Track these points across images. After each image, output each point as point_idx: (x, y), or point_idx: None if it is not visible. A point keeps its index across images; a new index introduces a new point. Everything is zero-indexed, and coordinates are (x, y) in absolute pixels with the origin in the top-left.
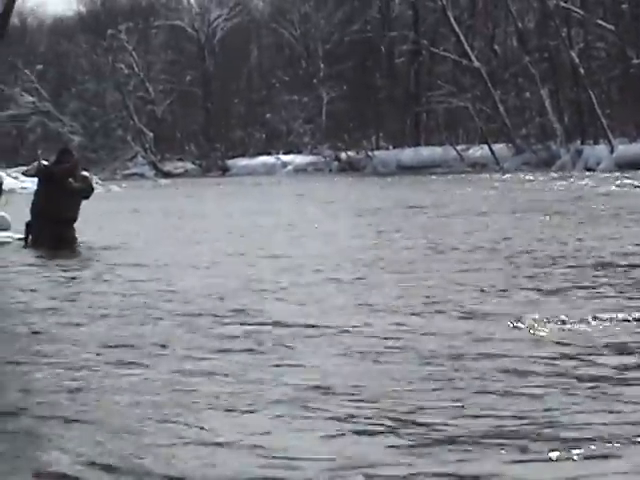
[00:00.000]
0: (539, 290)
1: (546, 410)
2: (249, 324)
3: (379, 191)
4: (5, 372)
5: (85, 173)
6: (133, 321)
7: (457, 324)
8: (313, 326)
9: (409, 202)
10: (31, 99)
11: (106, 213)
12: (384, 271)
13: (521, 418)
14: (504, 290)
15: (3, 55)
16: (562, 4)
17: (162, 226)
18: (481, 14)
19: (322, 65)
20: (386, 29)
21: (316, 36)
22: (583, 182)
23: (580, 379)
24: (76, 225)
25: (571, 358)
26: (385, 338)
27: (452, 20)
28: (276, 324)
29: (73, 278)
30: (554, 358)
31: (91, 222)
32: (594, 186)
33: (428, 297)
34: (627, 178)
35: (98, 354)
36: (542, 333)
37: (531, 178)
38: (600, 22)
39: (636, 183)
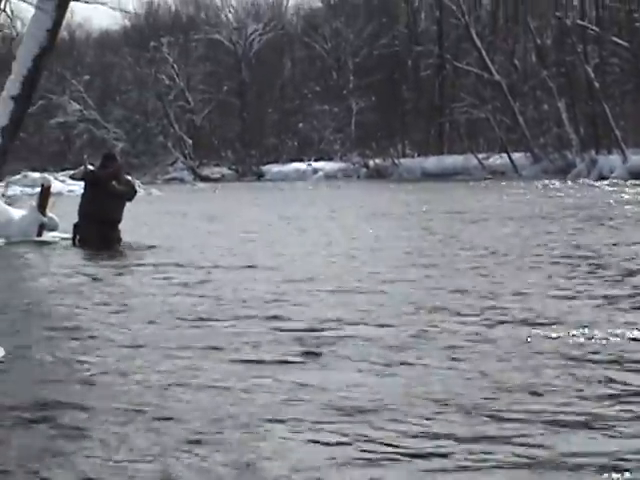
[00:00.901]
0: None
1: None
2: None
3: (419, 197)
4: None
5: (128, 177)
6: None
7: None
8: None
9: (454, 208)
10: (78, 107)
11: (148, 215)
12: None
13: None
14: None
15: (53, 66)
16: (578, 22)
17: (206, 228)
18: (502, 30)
19: (352, 77)
20: (412, 44)
21: (346, 50)
22: (608, 189)
23: None
24: (121, 226)
25: None
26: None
27: (474, 36)
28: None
29: (120, 274)
30: None
31: (135, 223)
32: (616, 192)
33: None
34: None
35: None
36: None
37: (557, 185)
38: (614, 39)
39: None
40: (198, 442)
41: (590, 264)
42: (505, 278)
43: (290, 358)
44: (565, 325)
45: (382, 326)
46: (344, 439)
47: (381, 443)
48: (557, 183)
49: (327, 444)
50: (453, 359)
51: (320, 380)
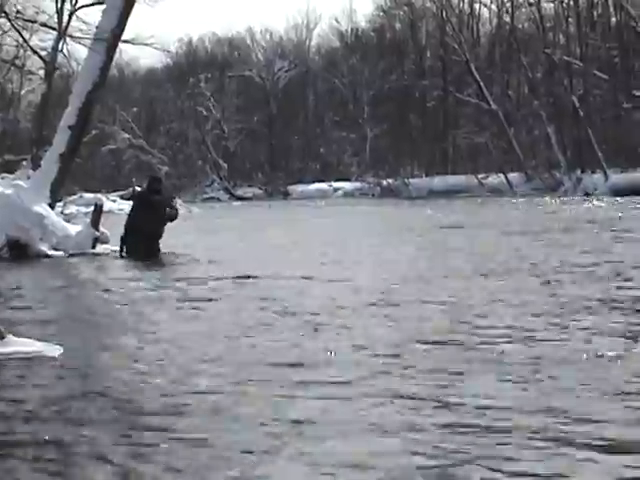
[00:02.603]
0: None
1: None
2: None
3: (438, 213)
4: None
5: (176, 201)
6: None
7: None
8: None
9: (474, 221)
10: (127, 136)
11: (189, 230)
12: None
13: None
14: None
15: (104, 100)
16: (565, 58)
17: (254, 242)
18: (497, 65)
19: (366, 107)
20: (419, 78)
21: (362, 83)
22: (598, 205)
23: None
24: (169, 240)
25: None
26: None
27: (474, 71)
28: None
29: (166, 283)
30: None
31: (180, 237)
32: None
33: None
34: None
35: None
36: None
37: (554, 201)
38: (596, 72)
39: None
40: None
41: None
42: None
43: None
44: None
45: None
46: None
47: None
48: (557, 200)
49: None
50: None
51: None
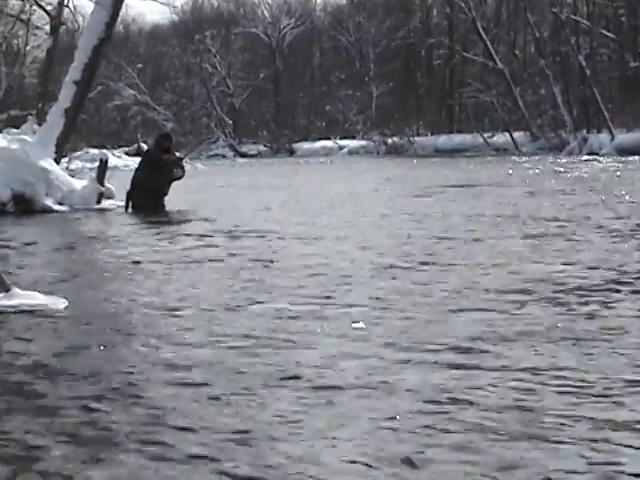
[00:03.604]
0: None
1: None
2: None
3: (452, 172)
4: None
5: (178, 154)
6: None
7: None
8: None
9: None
10: (132, 92)
11: (195, 187)
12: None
13: None
14: None
15: (110, 56)
16: (571, 16)
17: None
18: (504, 24)
19: (372, 66)
20: (426, 36)
21: (368, 41)
22: (615, 165)
23: None
24: (174, 197)
25: None
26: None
27: (480, 29)
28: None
29: (166, 238)
30: None
31: (186, 195)
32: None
33: None
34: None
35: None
36: None
37: (558, 161)
38: (603, 32)
39: None
40: None
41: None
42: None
43: None
44: None
45: None
46: None
47: None
48: (564, 160)
49: None
50: None
51: None
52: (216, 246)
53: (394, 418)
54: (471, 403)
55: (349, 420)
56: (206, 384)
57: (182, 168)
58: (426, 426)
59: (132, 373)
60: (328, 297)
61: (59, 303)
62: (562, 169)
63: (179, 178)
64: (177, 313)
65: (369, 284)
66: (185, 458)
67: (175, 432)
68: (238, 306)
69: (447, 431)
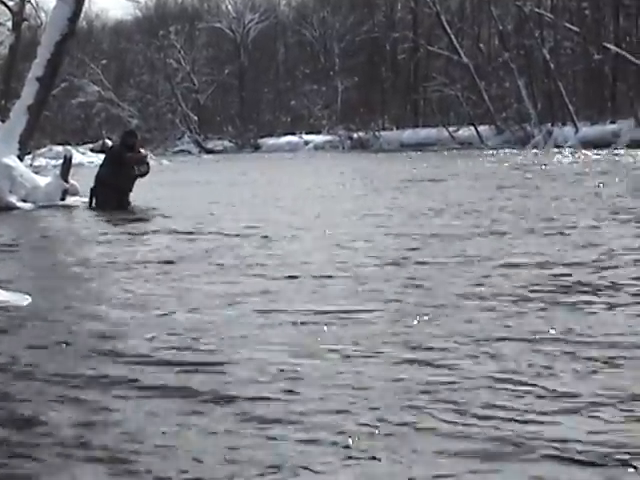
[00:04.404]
0: None
1: None
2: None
3: (419, 165)
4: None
5: (143, 151)
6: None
7: None
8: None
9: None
10: (96, 89)
11: (159, 183)
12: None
13: None
14: None
15: (73, 52)
16: (535, 10)
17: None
18: (468, 18)
19: (337, 60)
20: (390, 30)
21: (332, 36)
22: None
23: None
24: (139, 193)
25: None
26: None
27: (445, 23)
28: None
29: (135, 234)
30: None
31: (150, 191)
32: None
33: None
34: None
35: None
36: None
37: (528, 155)
38: (567, 25)
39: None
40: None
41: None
42: None
43: None
44: None
45: None
46: None
47: None
48: (529, 153)
49: None
50: None
51: None
52: (181, 245)
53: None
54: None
55: None
56: (175, 381)
57: (147, 165)
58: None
59: (94, 369)
60: (300, 298)
61: (22, 300)
62: (526, 162)
63: (144, 175)
64: (141, 313)
65: (336, 282)
66: (148, 454)
67: (136, 433)
68: (200, 307)
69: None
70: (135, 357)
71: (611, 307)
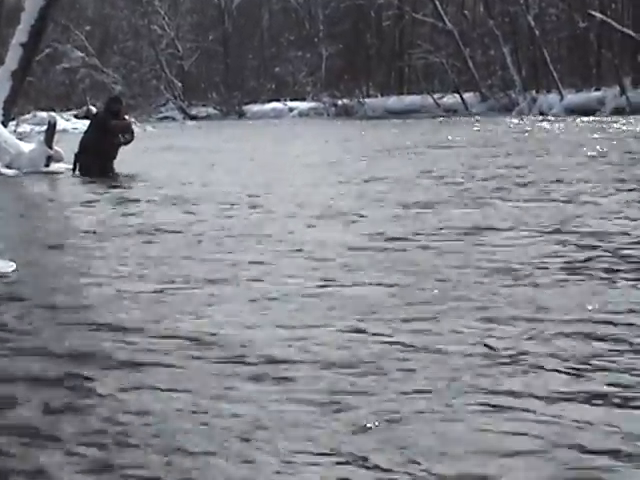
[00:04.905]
0: None
1: None
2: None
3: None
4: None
5: (127, 117)
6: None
7: None
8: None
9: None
10: (81, 55)
11: (144, 149)
12: None
13: None
14: None
15: (57, 18)
16: None
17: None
18: None
19: (322, 27)
20: None
21: (317, 2)
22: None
23: None
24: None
25: None
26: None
27: None
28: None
29: (113, 201)
30: None
31: (135, 157)
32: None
33: None
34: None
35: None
36: None
37: (515, 122)
38: None
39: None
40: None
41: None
42: None
43: None
44: None
45: None
46: None
47: None
48: (516, 120)
49: None
50: None
51: None
52: (166, 214)
53: None
54: None
55: None
56: (161, 353)
57: (131, 132)
58: None
59: (77, 338)
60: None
61: (7, 266)
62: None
63: (128, 143)
64: (124, 284)
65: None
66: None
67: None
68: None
69: None
70: (118, 329)
71: None
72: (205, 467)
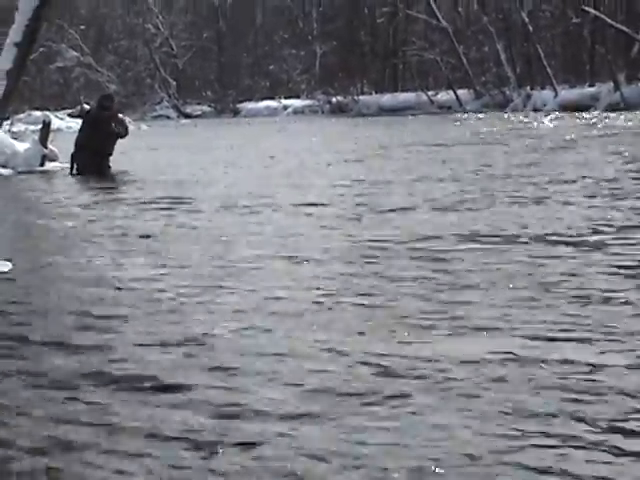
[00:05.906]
0: None
1: None
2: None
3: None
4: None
5: (121, 116)
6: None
7: None
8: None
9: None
10: (75, 54)
11: (139, 148)
12: None
13: None
14: None
15: (52, 17)
16: None
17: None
18: None
19: (316, 25)
20: None
21: (311, 0)
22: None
23: None
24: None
25: None
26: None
27: None
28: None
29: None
30: None
31: (130, 156)
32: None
33: None
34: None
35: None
36: None
37: (512, 118)
38: None
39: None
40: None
41: None
42: None
43: None
44: None
45: None
46: None
47: None
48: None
49: None
50: None
51: None
52: (160, 213)
53: None
54: None
55: None
56: (156, 335)
57: (125, 127)
58: None
59: (76, 336)
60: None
61: (4, 266)
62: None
63: (122, 136)
64: (120, 283)
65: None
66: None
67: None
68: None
69: None
70: (112, 328)
71: None
72: None
